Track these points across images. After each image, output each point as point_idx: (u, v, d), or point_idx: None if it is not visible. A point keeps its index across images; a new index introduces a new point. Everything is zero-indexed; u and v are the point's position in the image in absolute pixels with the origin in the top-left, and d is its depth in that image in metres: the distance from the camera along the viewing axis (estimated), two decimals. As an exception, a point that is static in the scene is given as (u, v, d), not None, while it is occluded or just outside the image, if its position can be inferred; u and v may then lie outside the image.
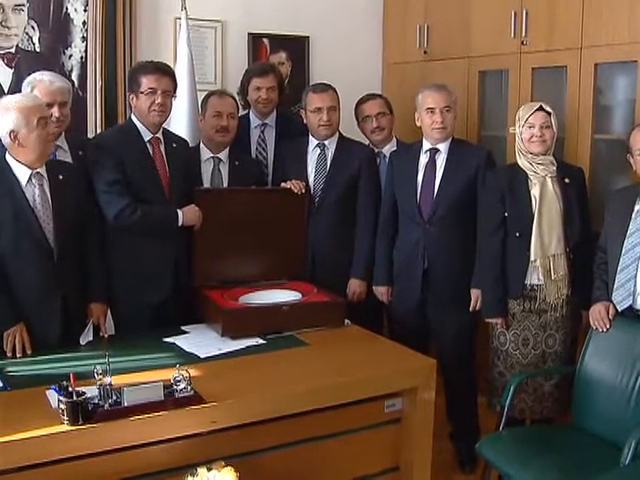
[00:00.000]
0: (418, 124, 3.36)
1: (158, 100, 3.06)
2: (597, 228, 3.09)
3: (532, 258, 3.03)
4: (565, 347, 3.12)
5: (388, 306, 3.53)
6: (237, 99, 3.55)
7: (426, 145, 3.34)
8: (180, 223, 3.08)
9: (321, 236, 3.46)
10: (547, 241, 3.03)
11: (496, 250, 3.13)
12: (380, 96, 3.88)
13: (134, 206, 3.00)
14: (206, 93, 3.54)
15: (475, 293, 3.24)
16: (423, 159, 3.34)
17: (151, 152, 3.12)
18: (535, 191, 3.05)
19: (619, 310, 2.82)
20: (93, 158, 3.05)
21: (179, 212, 3.07)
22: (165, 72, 3.11)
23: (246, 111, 3.85)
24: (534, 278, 3.07)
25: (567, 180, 3.07)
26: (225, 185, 3.40)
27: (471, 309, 3.26)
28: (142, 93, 3.07)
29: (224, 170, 3.41)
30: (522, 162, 3.11)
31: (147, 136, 3.12)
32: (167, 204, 3.09)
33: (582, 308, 3.08)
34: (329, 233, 3.47)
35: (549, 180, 3.05)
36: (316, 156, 3.52)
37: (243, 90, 3.84)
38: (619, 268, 2.80)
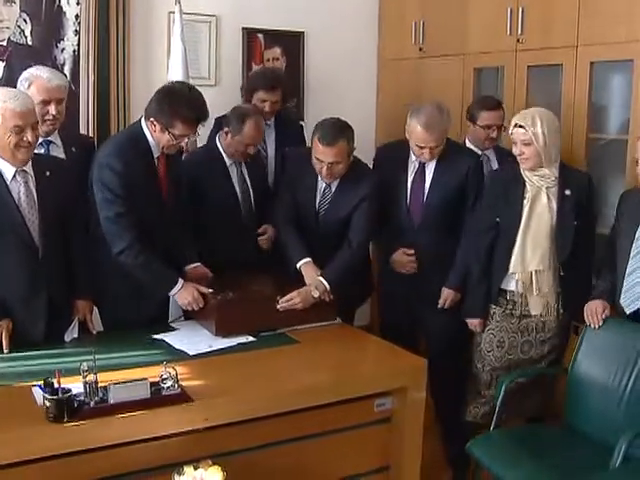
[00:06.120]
0: (407, 136, 3.20)
1: (182, 144, 2.95)
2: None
3: (511, 271, 2.97)
4: (541, 355, 3.06)
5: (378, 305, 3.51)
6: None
7: None
8: (172, 294, 2.96)
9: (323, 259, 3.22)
10: (529, 257, 2.94)
11: (483, 251, 3.06)
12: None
13: (138, 249, 2.85)
14: (243, 113, 3.30)
15: (448, 293, 3.21)
16: (413, 162, 3.27)
17: (158, 168, 2.99)
18: (527, 201, 2.95)
19: (627, 313, 2.76)
20: (104, 179, 2.86)
21: (179, 283, 2.93)
22: (205, 119, 2.95)
23: None
24: (512, 285, 3.01)
25: (568, 192, 2.92)
26: (249, 184, 3.38)
27: (439, 306, 3.23)
28: (173, 135, 2.87)
29: (245, 172, 3.41)
30: (522, 168, 2.99)
31: (157, 153, 2.97)
32: (164, 219, 3.00)
33: (573, 319, 3.04)
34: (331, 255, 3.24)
35: (544, 192, 2.93)
36: (322, 186, 3.30)
37: (246, 93, 3.80)
38: (627, 271, 2.75)
